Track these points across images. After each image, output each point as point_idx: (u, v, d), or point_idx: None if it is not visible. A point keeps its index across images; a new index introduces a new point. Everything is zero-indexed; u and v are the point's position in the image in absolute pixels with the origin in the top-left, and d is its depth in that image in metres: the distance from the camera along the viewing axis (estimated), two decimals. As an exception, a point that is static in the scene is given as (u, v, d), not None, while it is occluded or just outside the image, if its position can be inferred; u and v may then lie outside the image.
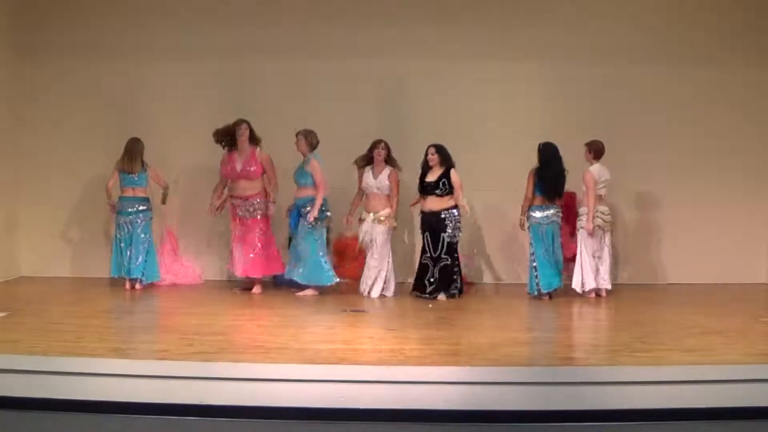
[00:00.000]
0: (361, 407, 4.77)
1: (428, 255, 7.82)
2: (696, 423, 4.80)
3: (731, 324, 6.44)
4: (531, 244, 7.82)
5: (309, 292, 7.89)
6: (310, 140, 7.89)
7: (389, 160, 7.94)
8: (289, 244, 8.16)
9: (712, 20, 8.84)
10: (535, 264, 7.75)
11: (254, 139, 7.96)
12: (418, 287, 7.87)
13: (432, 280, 7.76)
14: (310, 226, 7.74)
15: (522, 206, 7.87)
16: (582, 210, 7.86)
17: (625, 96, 8.82)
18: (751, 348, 5.52)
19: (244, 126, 7.91)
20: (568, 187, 7.94)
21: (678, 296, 8.28)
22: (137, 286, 7.98)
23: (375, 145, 7.93)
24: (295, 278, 7.89)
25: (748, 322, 6.52)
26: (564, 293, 7.85)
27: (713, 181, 8.87)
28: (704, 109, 8.88)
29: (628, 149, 8.50)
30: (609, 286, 7.89)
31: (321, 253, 7.91)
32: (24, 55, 8.81)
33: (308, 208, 7.76)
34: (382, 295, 7.82)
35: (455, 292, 7.83)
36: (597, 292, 7.86)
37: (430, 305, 7.44)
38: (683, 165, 8.81)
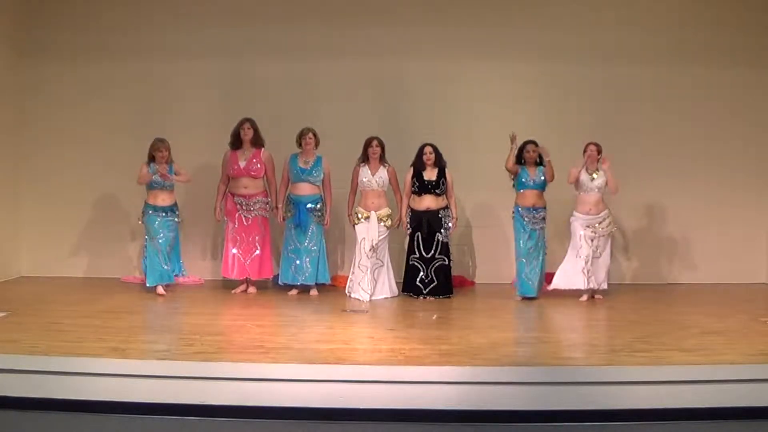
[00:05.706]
0: (361, 407, 4.78)
1: (417, 255, 7.77)
2: (696, 423, 4.80)
3: (731, 324, 6.44)
4: None
5: (314, 292, 7.93)
6: (318, 139, 7.91)
7: (383, 158, 7.92)
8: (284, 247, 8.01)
9: (712, 20, 8.82)
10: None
11: (259, 140, 7.95)
12: (411, 289, 7.81)
13: (428, 281, 7.73)
14: (318, 224, 7.85)
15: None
16: None
17: (625, 96, 8.81)
18: (751, 348, 5.52)
19: (246, 125, 7.90)
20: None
21: (678, 296, 8.27)
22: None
23: (369, 142, 7.87)
24: (311, 282, 7.85)
25: (748, 322, 6.51)
26: (563, 293, 7.84)
27: (713, 181, 8.87)
28: (704, 109, 8.87)
29: (627, 150, 8.48)
30: (583, 286, 7.57)
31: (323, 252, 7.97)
32: (25, 54, 8.79)
33: (318, 206, 7.83)
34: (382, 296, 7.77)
35: (451, 293, 7.85)
36: (584, 293, 7.70)
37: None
38: (683, 165, 8.81)
